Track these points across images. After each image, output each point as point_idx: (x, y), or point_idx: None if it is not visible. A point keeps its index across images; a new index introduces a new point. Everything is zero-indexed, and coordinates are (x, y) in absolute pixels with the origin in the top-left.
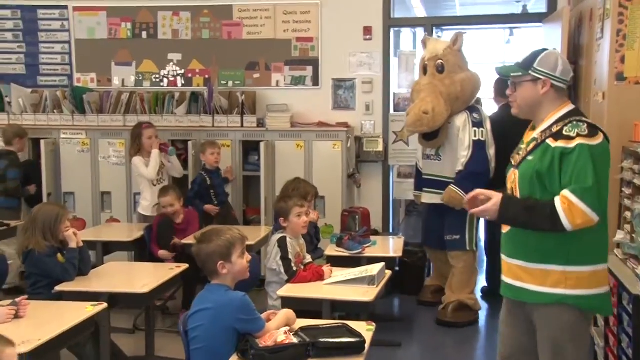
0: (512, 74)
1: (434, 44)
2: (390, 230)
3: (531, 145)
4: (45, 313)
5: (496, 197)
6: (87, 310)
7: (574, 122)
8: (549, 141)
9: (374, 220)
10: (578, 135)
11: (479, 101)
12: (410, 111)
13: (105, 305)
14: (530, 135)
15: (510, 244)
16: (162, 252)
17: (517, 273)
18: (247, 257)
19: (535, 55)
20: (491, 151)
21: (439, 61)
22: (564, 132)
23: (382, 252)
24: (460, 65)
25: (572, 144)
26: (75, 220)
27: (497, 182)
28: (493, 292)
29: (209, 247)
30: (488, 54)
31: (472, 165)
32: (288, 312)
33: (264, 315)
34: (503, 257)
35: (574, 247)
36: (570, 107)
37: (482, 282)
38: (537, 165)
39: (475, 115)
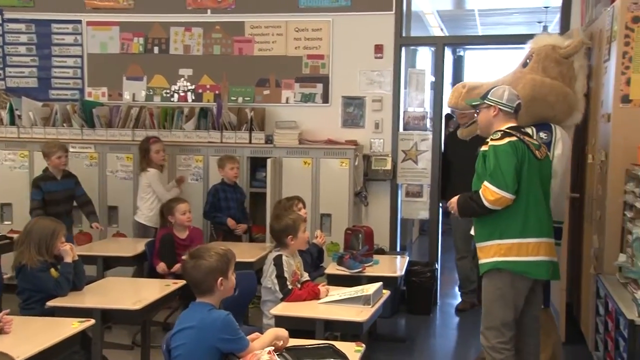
0: (474, 103)
1: (542, 36)
2: (398, 249)
3: None
4: (30, 329)
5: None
6: (73, 326)
7: (495, 132)
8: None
9: (381, 239)
10: (491, 139)
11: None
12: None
13: (92, 321)
14: None
15: (475, 232)
16: (160, 265)
17: (478, 254)
18: (234, 274)
19: (491, 89)
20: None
21: (530, 54)
22: (486, 140)
23: (383, 271)
24: (558, 70)
25: (487, 147)
26: (81, 234)
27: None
28: None
29: (209, 262)
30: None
31: None
32: (277, 331)
33: (252, 336)
34: None
35: (503, 225)
36: (510, 124)
37: None
38: (477, 167)
39: (543, 135)
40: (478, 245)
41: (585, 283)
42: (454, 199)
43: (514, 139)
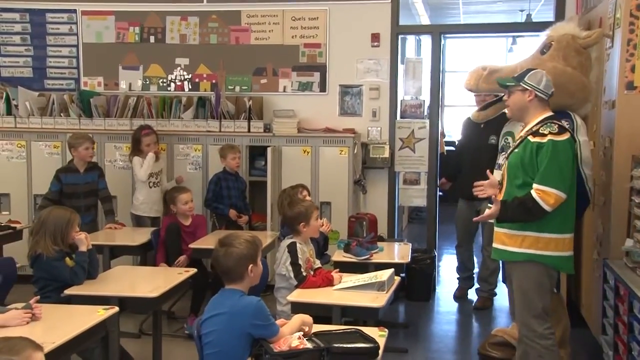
0: (507, 84)
1: (562, 25)
2: (395, 237)
3: (518, 141)
4: (57, 316)
5: (495, 205)
6: (99, 314)
7: (548, 124)
8: (529, 137)
9: (379, 227)
10: (550, 133)
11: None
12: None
13: (116, 309)
14: (520, 134)
15: None
16: (159, 259)
17: (502, 239)
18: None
19: (527, 71)
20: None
21: (549, 42)
22: (540, 131)
23: (389, 258)
24: (578, 60)
25: (544, 140)
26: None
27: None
28: None
29: (240, 250)
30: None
31: None
32: (304, 317)
33: (279, 322)
34: (494, 227)
35: (545, 218)
36: (549, 113)
37: None
38: (521, 156)
39: (565, 122)
40: (506, 232)
41: (587, 268)
42: (494, 210)
43: (569, 135)
